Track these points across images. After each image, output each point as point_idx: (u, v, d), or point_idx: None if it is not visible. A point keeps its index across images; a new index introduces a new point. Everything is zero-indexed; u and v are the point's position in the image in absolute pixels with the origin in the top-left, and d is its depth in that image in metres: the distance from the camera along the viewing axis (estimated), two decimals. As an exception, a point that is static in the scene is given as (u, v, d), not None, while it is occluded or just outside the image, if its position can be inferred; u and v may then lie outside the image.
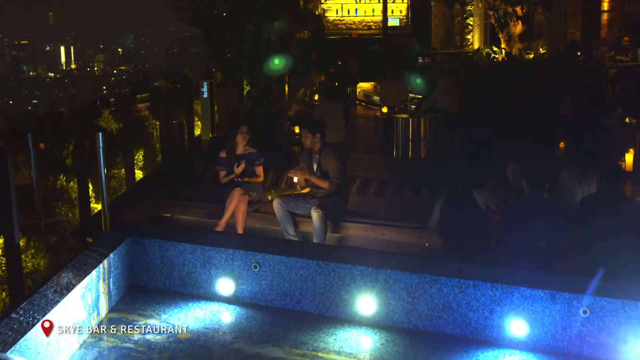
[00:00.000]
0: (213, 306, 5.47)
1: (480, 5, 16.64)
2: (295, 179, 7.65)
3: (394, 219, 7.26)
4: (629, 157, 8.47)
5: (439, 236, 6.13)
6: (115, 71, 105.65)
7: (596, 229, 5.07)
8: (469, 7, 18.63)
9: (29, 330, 4.26)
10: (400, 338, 4.94)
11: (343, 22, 22.82)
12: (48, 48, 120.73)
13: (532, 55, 12.69)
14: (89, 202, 7.16)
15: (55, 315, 4.55)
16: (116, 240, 5.70)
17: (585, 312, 4.58)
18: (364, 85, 17.61)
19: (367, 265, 5.16)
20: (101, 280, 5.28)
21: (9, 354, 4.00)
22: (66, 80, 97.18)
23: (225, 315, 5.38)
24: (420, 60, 17.20)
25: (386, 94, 13.29)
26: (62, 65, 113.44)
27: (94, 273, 5.15)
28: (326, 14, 22.49)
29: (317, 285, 5.29)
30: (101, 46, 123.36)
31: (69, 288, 4.81)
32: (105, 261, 5.36)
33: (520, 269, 4.97)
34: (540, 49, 12.99)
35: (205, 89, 10.45)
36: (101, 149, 6.16)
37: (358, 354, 4.79)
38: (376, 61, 17.39)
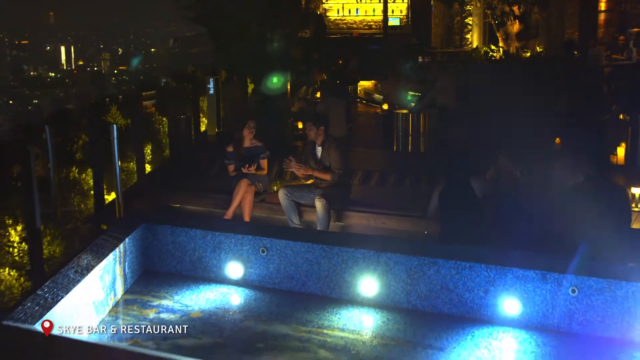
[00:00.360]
0: (223, 289, 5.77)
1: (479, 4, 16.94)
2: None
3: (394, 209, 7.56)
4: (621, 151, 8.79)
5: (437, 224, 6.42)
6: (115, 71, 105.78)
7: (584, 214, 5.37)
8: (468, 7, 18.93)
9: (54, 306, 4.56)
10: (401, 317, 5.23)
11: (344, 21, 23.10)
12: (48, 48, 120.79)
13: (529, 54, 12.98)
14: (103, 192, 7.47)
15: (76, 293, 4.86)
16: (130, 227, 5.99)
17: (574, 291, 4.88)
18: (364, 84, 17.90)
19: (369, 248, 5.45)
20: (117, 263, 5.58)
21: (35, 326, 4.31)
22: (66, 80, 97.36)
23: (234, 297, 5.67)
24: (420, 59, 17.49)
25: (387, 91, 13.61)
26: (63, 65, 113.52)
27: (111, 256, 5.45)
28: (327, 14, 22.77)
29: (322, 268, 5.58)
30: (101, 46, 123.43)
31: (88, 269, 5.12)
32: (121, 245, 5.66)
33: (513, 251, 5.26)
34: (537, 48, 13.28)
35: (211, 85, 10.75)
36: (115, 140, 6.48)
37: (360, 331, 5.09)
38: (377, 60, 17.71)
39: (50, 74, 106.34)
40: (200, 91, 11.67)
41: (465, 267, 5.16)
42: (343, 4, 23.03)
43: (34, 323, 4.30)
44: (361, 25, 22.96)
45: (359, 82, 17.26)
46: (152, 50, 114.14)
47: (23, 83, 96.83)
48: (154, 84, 15.31)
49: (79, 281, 4.93)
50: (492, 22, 13.63)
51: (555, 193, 5.71)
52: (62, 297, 4.67)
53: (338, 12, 23.03)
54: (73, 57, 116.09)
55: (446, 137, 9.71)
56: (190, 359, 3.86)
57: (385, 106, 12.76)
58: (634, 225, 6.69)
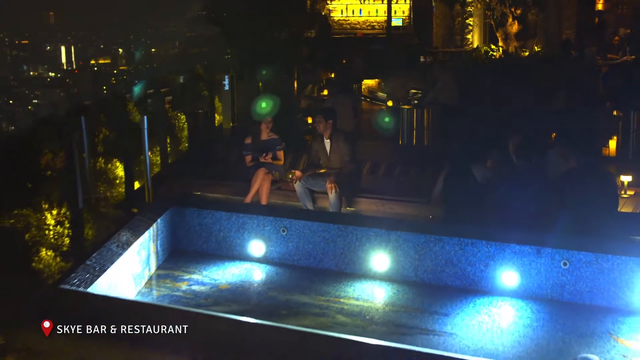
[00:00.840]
0: (246, 265, 6.32)
1: (479, 6, 17.48)
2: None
3: (401, 195, 8.11)
4: (612, 144, 9.39)
5: (441, 207, 6.98)
6: (115, 71, 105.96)
7: (576, 196, 5.93)
8: (469, 8, 19.45)
9: (101, 274, 5.12)
10: (409, 289, 5.79)
11: (348, 22, 23.58)
12: (49, 48, 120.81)
13: (527, 53, 13.56)
14: (133, 179, 8.02)
15: (118, 265, 5.42)
16: (161, 209, 6.55)
17: (565, 264, 5.44)
18: (368, 82, 18.38)
19: (380, 227, 6.01)
20: (151, 241, 6.14)
21: (89, 290, 4.87)
22: (67, 80, 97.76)
23: (257, 272, 6.23)
24: (422, 59, 18.02)
25: (391, 90, 14.18)
26: (63, 65, 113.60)
27: (146, 234, 6.01)
28: (331, 14, 23.25)
29: (337, 246, 6.14)
30: (102, 46, 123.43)
31: (128, 244, 5.68)
32: (154, 225, 6.22)
33: (511, 229, 5.82)
34: (535, 47, 13.86)
35: (226, 82, 11.30)
36: (145, 131, 7.03)
37: (373, 300, 5.66)
38: (380, 59, 18.23)
39: (50, 73, 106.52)
40: (213, 89, 12.19)
41: (467, 244, 5.72)
42: (347, 4, 23.50)
43: (87, 288, 4.87)
44: (364, 26, 23.44)
45: (363, 80, 17.76)
46: (153, 50, 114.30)
47: (23, 83, 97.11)
48: (164, 82, 15.80)
49: (120, 254, 5.50)
50: (492, 23, 14.22)
51: (550, 177, 6.27)
52: (107, 267, 5.23)
53: (342, 13, 23.50)
54: (74, 57, 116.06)
55: (448, 131, 10.27)
56: (230, 315, 4.41)
57: (390, 103, 13.32)
58: (623, 209, 7.26)
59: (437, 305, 5.52)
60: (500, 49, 14.07)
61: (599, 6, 19.46)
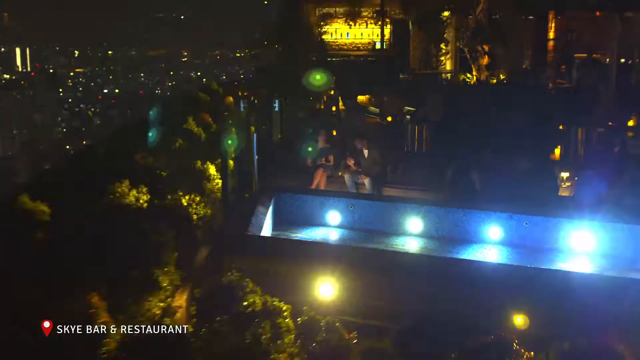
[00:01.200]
0: (327, 229, 9.97)
1: (452, 32, 21.05)
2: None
3: (418, 185, 11.78)
4: (557, 151, 13.21)
5: (449, 192, 10.70)
6: (72, 73, 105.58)
7: (530, 185, 9.78)
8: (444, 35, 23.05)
9: (261, 229, 8.78)
10: (433, 241, 9.51)
11: (336, 43, 26.86)
12: (3, 50, 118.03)
13: (495, 81, 17.42)
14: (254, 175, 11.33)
15: (264, 228, 9.05)
16: (270, 194, 10.14)
17: (526, 224, 9.24)
18: (360, 98, 21.80)
19: (414, 204, 9.76)
20: (269, 213, 9.75)
21: (262, 233, 8.51)
22: (22, 82, 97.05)
23: (335, 234, 9.89)
24: (401, 76, 21.64)
25: (381, 105, 17.85)
26: (18, 67, 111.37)
27: (270, 209, 9.65)
28: (323, 37, 26.54)
29: (386, 215, 9.84)
30: (57, 48, 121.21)
31: (264, 214, 9.32)
32: (270, 203, 9.84)
33: (494, 203, 9.61)
34: (501, 76, 17.71)
35: (276, 104, 14.76)
36: (255, 140, 10.54)
37: (409, 248, 9.37)
38: (368, 78, 21.60)
39: (5, 75, 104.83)
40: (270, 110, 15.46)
41: (467, 213, 9.48)
42: (336, 28, 26.80)
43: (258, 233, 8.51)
44: (351, 47, 26.77)
45: (357, 97, 21.18)
46: (109, 52, 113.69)
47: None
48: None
49: (263, 219, 9.15)
50: (467, 57, 18.08)
51: (514, 173, 10.06)
52: (262, 225, 8.88)
53: (331, 35, 26.76)
54: (29, 58, 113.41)
55: (437, 142, 13.97)
56: (347, 244, 8.12)
57: (389, 118, 16.96)
58: (562, 194, 11.07)
59: (450, 245, 9.28)
60: (474, 77, 17.88)
61: (551, 34, 23.04)
